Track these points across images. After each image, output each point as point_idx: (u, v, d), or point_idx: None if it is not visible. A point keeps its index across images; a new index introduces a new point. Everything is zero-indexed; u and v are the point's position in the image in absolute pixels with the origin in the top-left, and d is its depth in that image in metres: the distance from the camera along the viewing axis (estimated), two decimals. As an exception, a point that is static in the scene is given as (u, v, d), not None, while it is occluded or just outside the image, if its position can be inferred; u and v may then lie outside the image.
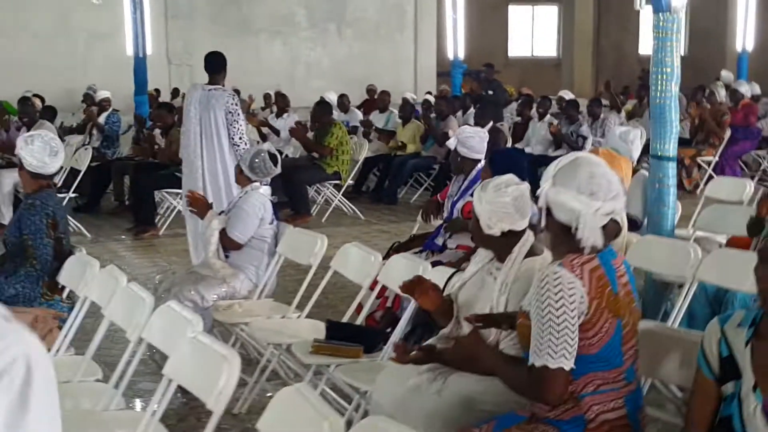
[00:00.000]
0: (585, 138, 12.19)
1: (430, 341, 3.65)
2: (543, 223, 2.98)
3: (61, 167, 4.85)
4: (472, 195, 5.63)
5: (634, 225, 5.94)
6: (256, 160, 5.62)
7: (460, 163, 5.88)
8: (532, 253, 3.46)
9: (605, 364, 2.91)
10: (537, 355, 2.84)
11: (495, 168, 5.40)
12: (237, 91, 7.45)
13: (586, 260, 2.87)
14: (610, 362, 2.91)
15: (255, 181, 5.64)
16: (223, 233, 5.44)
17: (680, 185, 12.45)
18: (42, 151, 4.58)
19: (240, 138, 7.40)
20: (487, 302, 3.42)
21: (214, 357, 3.00)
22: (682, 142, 13.14)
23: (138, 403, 4.99)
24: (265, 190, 5.72)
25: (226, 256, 5.51)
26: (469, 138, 5.87)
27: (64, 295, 4.60)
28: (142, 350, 3.70)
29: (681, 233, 6.52)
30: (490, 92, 14.33)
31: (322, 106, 11.36)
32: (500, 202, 3.42)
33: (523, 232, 3.48)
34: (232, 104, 7.42)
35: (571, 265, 2.86)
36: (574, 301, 2.80)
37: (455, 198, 5.90)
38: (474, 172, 5.82)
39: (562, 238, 2.95)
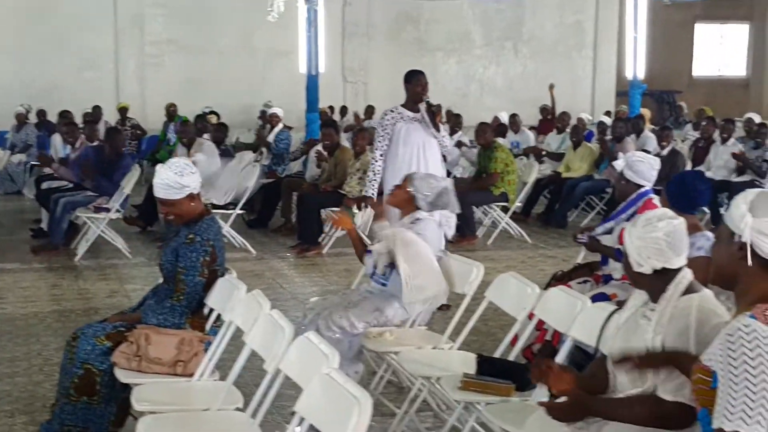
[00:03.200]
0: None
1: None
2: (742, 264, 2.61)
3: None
4: (627, 219, 5.35)
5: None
6: (443, 198, 5.45)
7: (625, 187, 5.54)
8: (690, 291, 3.13)
9: None
10: (726, 418, 2.50)
11: (670, 195, 5.06)
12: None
13: None
14: None
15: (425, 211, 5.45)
16: None
17: None
18: (167, 170, 4.52)
19: (380, 154, 7.54)
20: (641, 347, 3.10)
21: (345, 398, 2.81)
22: None
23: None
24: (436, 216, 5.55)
25: (383, 284, 5.30)
26: (638, 162, 5.53)
27: (212, 319, 4.52)
28: (281, 381, 3.55)
29: None
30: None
31: (483, 126, 11.18)
32: (650, 237, 3.12)
33: (678, 270, 3.15)
34: (378, 123, 7.69)
35: (765, 316, 2.50)
36: None
37: (606, 219, 5.65)
38: (633, 196, 5.49)
39: (759, 279, 2.60)
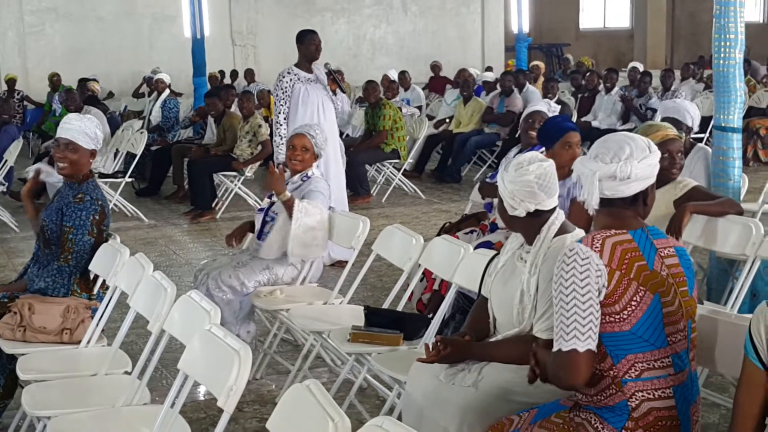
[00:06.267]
0: (654, 111, 11.81)
1: (461, 330, 3.46)
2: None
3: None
4: None
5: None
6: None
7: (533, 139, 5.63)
8: (563, 231, 3.24)
9: (645, 344, 2.73)
10: (555, 340, 2.72)
11: (541, 138, 5.24)
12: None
13: (612, 234, 2.77)
14: (650, 342, 2.73)
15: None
16: None
17: (756, 157, 12.11)
18: (84, 119, 4.52)
19: (284, 118, 7.45)
20: (517, 288, 3.22)
21: (225, 351, 2.84)
22: (759, 112, 12.75)
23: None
24: (320, 171, 5.56)
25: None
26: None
27: (99, 283, 4.48)
28: (166, 341, 3.56)
29: (749, 207, 6.21)
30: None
31: (371, 84, 11.23)
32: (522, 180, 3.21)
33: (551, 211, 3.25)
34: (276, 86, 7.61)
35: (591, 239, 2.75)
36: (587, 277, 2.67)
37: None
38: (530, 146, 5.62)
39: (597, 216, 2.87)
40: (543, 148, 5.53)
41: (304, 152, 5.36)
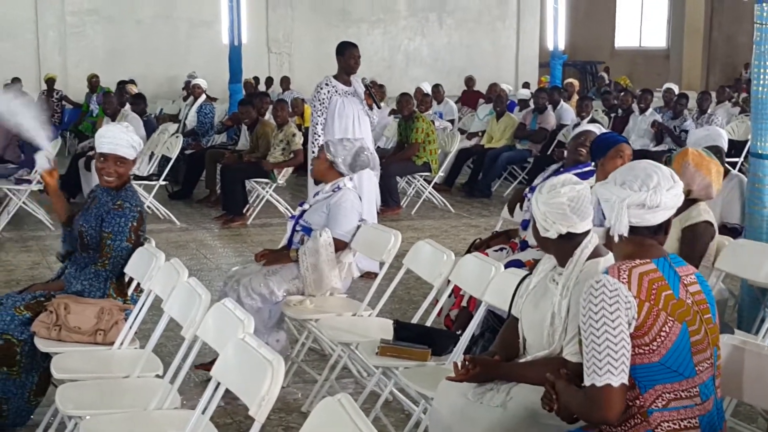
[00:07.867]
0: (688, 132, 11.77)
1: (490, 349, 3.48)
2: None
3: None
4: None
5: (734, 233, 5.61)
6: (361, 158, 5.49)
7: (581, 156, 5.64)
8: (596, 255, 3.24)
9: (674, 374, 2.71)
10: (597, 374, 2.67)
11: (593, 151, 5.29)
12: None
13: (637, 264, 2.75)
14: (678, 372, 2.72)
15: (346, 176, 5.49)
16: None
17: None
18: (129, 131, 4.59)
19: (322, 129, 7.49)
20: (549, 310, 3.22)
21: (259, 361, 2.88)
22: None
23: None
24: (353, 184, 5.60)
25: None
26: None
27: (133, 286, 4.55)
28: (198, 347, 3.61)
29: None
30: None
31: (405, 97, 11.30)
32: (554, 202, 3.21)
33: (585, 234, 3.26)
34: (314, 96, 7.66)
35: (618, 270, 2.74)
36: (617, 309, 2.66)
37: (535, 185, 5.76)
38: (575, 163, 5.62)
39: (617, 244, 2.87)
40: (589, 167, 5.54)
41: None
